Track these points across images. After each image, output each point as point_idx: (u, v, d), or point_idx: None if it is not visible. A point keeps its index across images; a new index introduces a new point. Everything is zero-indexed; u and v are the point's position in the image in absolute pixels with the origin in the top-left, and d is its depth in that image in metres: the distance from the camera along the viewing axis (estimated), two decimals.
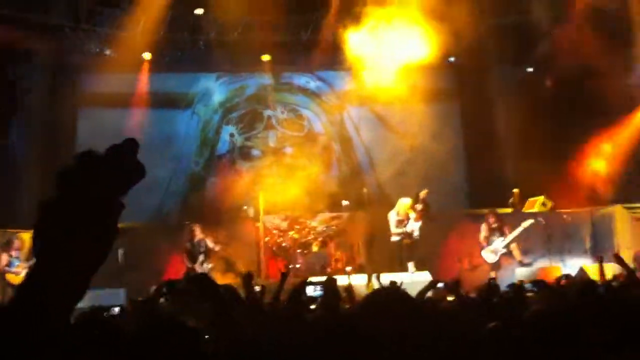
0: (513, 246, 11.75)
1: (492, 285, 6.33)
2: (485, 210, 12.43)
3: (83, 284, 1.00)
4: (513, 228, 11.73)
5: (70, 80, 14.87)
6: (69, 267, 0.98)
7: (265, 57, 15.74)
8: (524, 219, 11.93)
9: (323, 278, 6.68)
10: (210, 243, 11.59)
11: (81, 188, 0.98)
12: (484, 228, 11.88)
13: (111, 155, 1.01)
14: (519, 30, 15.10)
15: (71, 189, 0.99)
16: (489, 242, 11.77)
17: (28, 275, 0.99)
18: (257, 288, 6.61)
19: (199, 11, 14.80)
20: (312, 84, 16.93)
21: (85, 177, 0.99)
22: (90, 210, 0.98)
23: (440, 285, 5.76)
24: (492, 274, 11.06)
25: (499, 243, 11.67)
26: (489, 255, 11.73)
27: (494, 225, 11.81)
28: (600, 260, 8.30)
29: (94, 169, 0.99)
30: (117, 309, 6.78)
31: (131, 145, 1.02)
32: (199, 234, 11.54)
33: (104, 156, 1.01)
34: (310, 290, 5.56)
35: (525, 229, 11.71)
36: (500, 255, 11.67)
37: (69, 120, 14.71)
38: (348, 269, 9.29)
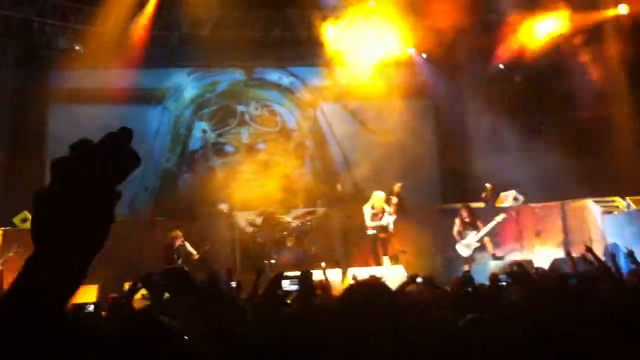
0: (486, 240, 11.88)
1: (466, 278, 6.40)
2: (459, 205, 12.54)
3: (80, 274, 1.00)
4: (486, 222, 11.88)
5: (39, 75, 14.64)
6: (67, 257, 0.97)
7: (237, 53, 15.65)
8: (497, 213, 12.08)
9: (299, 272, 6.69)
10: (189, 248, 11.57)
11: (77, 177, 0.97)
12: (457, 222, 12.00)
13: (107, 144, 1.00)
14: (491, 27, 15.25)
15: (67, 178, 0.98)
16: (462, 236, 11.89)
17: (25, 266, 0.98)
18: (233, 284, 6.60)
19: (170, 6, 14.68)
20: (285, 79, 16.88)
21: (81, 166, 0.98)
22: (86, 199, 0.97)
23: (418, 279, 5.79)
24: (466, 268, 11.17)
25: (472, 237, 11.79)
26: (463, 249, 11.87)
27: (467, 220, 11.93)
28: (568, 253, 8.43)
29: (89, 157, 0.99)
30: (91, 307, 6.72)
31: (126, 133, 1.02)
32: (179, 241, 11.49)
33: (99, 145, 1.00)
34: (287, 284, 5.55)
35: (498, 223, 11.88)
36: (474, 249, 11.80)
37: (39, 117, 14.48)
38: (323, 264, 9.29)
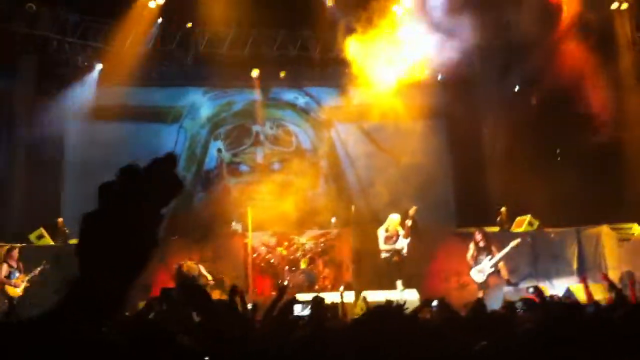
0: (501, 265, 11.70)
1: (480, 304, 6.31)
2: (473, 229, 12.41)
3: (124, 294, 1.03)
4: (500, 247, 11.69)
5: (57, 93, 14.79)
6: (111, 278, 0.99)
7: (254, 72, 15.75)
8: (512, 238, 11.91)
9: (311, 296, 6.65)
10: (203, 271, 11.64)
11: (124, 201, 0.99)
12: (471, 247, 11.82)
13: (152, 169, 1.02)
14: (506, 48, 15.22)
15: (114, 201, 0.99)
16: (476, 261, 11.69)
17: (72, 285, 1.00)
18: (249, 305, 6.57)
19: (188, 25, 14.81)
20: (301, 99, 16.94)
21: (127, 190, 1.00)
22: (132, 222, 0.99)
23: (433, 303, 5.74)
24: (480, 294, 11.02)
25: (486, 262, 11.60)
26: (477, 274, 11.66)
27: (482, 244, 11.75)
28: (584, 281, 8.29)
29: (136, 182, 1.00)
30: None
31: (171, 159, 1.03)
32: (195, 269, 11.58)
33: (145, 170, 1.02)
34: (299, 309, 5.50)
35: (513, 248, 11.69)
36: (488, 275, 11.60)
37: (56, 134, 14.61)
38: (341, 288, 9.28)
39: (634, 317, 4.77)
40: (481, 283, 11.58)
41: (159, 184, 1.03)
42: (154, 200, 1.02)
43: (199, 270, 11.63)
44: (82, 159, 14.54)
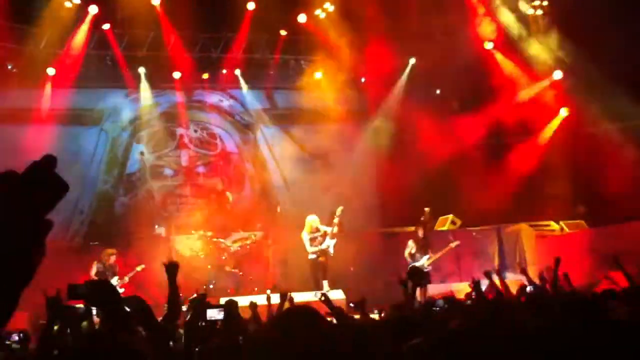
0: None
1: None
2: (411, 228, 12.68)
3: (9, 306, 0.97)
4: (433, 246, 12.05)
5: None
6: None
7: (176, 74, 15.50)
8: (443, 238, 12.30)
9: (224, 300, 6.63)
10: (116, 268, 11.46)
11: (5, 210, 0.93)
12: (410, 244, 12.04)
13: (32, 173, 0.97)
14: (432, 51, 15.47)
15: None
16: (414, 259, 11.94)
17: None
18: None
19: (106, 26, 14.42)
20: (225, 102, 16.77)
21: (8, 198, 0.94)
22: (14, 232, 0.93)
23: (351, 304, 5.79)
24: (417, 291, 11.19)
25: (424, 260, 11.87)
26: None
27: (422, 243, 12.02)
28: (499, 274, 8.51)
29: (16, 189, 0.95)
30: (16, 336, 6.44)
31: (50, 160, 0.99)
32: (112, 259, 11.34)
33: (24, 175, 0.96)
34: (214, 313, 5.42)
35: (452, 249, 12.09)
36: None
37: None
38: (268, 291, 9.26)
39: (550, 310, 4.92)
40: None
41: (39, 187, 0.98)
42: (38, 205, 0.98)
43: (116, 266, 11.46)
44: None
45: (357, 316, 5.92)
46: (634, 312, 4.52)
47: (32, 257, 0.98)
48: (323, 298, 5.80)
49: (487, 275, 7.08)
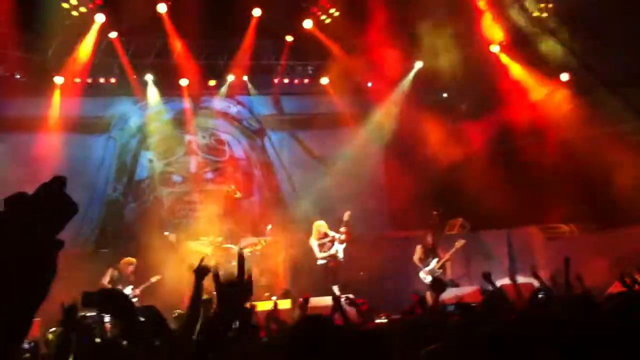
0: (447, 265, 12.04)
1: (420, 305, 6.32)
2: (420, 232, 12.64)
3: (24, 325, 0.98)
4: (445, 249, 12.00)
5: None
6: (8, 310, 0.95)
7: (184, 82, 15.54)
8: (451, 240, 12.23)
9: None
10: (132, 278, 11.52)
11: (15, 232, 0.93)
12: (418, 250, 12.03)
13: (42, 195, 0.97)
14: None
15: (3, 233, 0.93)
16: (424, 263, 11.92)
17: None
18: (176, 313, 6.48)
19: (113, 34, 14.46)
20: (233, 108, 16.80)
21: (18, 220, 0.94)
22: (28, 252, 0.94)
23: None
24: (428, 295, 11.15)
25: (434, 264, 11.85)
26: (425, 276, 11.88)
27: (430, 247, 12.00)
28: (513, 280, 8.44)
29: (26, 211, 0.95)
30: (26, 345, 6.43)
31: (59, 182, 0.99)
32: (131, 268, 11.42)
33: (34, 197, 0.97)
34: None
35: (458, 249, 12.01)
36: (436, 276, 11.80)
37: None
38: (274, 298, 9.24)
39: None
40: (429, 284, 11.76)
41: (49, 208, 0.98)
42: (48, 226, 0.98)
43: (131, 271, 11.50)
44: (5, 174, 13.93)
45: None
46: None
47: (45, 276, 0.98)
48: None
49: (486, 277, 6.74)
